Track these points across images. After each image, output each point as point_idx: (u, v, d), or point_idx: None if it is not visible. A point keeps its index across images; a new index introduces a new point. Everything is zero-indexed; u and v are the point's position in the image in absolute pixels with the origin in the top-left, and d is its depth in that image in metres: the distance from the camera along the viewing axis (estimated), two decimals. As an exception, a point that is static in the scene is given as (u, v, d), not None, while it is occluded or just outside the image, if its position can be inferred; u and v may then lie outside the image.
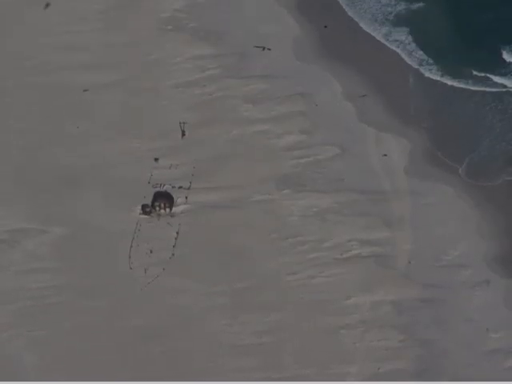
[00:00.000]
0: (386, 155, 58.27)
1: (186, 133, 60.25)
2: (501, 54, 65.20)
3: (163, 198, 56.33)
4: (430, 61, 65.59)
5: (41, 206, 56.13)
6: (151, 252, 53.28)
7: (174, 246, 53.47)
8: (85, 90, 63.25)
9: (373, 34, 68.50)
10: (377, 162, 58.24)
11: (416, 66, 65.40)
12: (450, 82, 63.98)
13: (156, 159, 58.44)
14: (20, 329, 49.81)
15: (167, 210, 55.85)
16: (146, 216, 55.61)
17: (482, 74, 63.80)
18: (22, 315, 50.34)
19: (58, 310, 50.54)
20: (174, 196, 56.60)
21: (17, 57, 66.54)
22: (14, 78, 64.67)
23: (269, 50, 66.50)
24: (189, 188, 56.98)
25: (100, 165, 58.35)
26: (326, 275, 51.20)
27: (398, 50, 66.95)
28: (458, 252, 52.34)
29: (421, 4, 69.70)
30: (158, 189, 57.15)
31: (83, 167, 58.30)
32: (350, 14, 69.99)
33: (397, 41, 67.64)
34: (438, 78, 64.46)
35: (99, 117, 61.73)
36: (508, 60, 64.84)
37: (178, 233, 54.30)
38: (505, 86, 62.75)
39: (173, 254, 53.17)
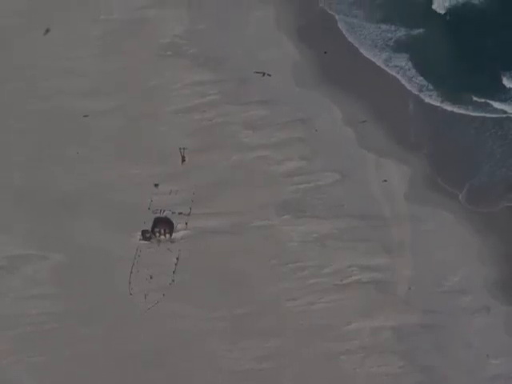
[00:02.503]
0: (386, 181, 60.73)
1: (186, 158, 62.81)
2: (501, 80, 67.98)
3: (163, 224, 58.61)
4: (430, 86, 68.50)
5: (40, 232, 58.35)
6: (151, 278, 55.32)
7: (173, 272, 55.56)
8: (85, 116, 66.02)
9: (373, 59, 71.48)
10: (377, 187, 60.59)
11: (416, 92, 68.23)
12: (450, 107, 66.74)
13: (156, 185, 60.88)
14: (20, 355, 51.51)
15: (167, 235, 58.11)
16: (145, 242, 57.75)
17: (482, 100, 66.55)
18: (21, 341, 52.08)
19: (57, 336, 52.33)
20: (173, 222, 58.92)
21: (17, 82, 69.52)
22: (14, 103, 67.41)
23: (269, 75, 69.45)
24: (189, 214, 59.31)
25: (100, 190, 60.73)
26: (325, 301, 53.25)
27: (398, 76, 69.89)
28: (458, 278, 54.43)
29: (421, 30, 72.90)
30: (157, 214, 59.42)
31: (83, 193, 60.64)
32: (349, 39, 73.09)
33: (397, 66, 70.65)
34: (438, 104, 67.23)
35: (99, 142, 64.24)
36: (508, 86, 67.62)
37: (177, 258, 56.39)
38: (505, 112, 65.40)
39: (173, 280, 55.20)
